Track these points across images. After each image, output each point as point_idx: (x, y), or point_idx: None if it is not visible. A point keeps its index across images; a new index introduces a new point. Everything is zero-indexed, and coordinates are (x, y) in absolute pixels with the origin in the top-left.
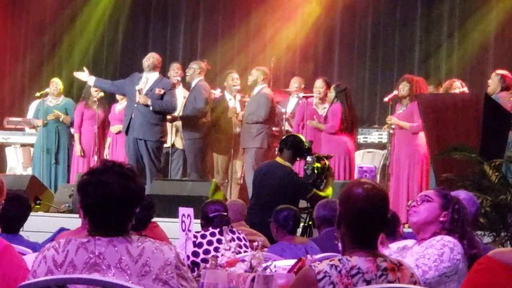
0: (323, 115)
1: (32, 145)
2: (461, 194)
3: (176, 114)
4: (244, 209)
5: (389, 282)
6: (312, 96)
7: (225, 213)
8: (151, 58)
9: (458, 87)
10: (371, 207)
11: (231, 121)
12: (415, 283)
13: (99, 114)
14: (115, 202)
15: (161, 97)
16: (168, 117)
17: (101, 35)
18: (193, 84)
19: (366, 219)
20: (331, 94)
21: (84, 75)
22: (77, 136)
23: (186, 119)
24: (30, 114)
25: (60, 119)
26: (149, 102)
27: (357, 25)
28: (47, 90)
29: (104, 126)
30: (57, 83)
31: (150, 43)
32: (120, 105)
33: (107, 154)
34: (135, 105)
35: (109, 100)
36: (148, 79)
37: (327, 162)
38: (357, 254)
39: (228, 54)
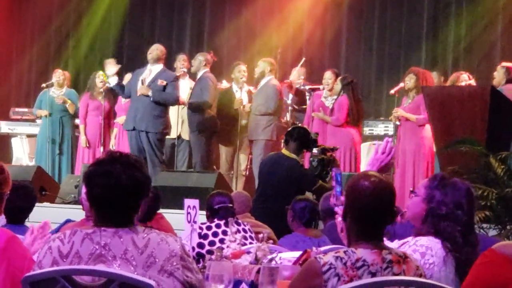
0: (330, 107)
1: None
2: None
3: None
4: (249, 200)
5: (394, 274)
6: (318, 89)
7: (231, 205)
8: (155, 50)
9: (465, 79)
10: (377, 200)
11: (237, 112)
12: (420, 275)
13: (104, 105)
14: (122, 193)
15: (164, 88)
16: (174, 109)
17: (108, 26)
18: (198, 76)
19: (373, 212)
20: (337, 86)
21: (112, 69)
22: (82, 127)
23: (191, 110)
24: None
25: (67, 105)
26: (149, 93)
27: (364, 17)
28: (52, 80)
29: (109, 117)
30: (60, 74)
31: (157, 34)
32: None
33: (113, 144)
34: (138, 97)
35: (114, 91)
36: (152, 70)
37: (333, 154)
38: (362, 247)
39: (235, 46)
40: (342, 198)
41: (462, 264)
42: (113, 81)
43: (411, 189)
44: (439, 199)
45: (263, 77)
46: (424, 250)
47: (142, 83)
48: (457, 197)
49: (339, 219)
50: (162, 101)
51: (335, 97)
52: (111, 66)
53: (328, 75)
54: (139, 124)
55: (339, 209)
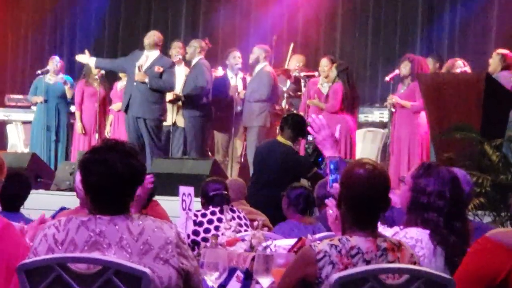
0: (325, 94)
1: None
2: (457, 173)
3: (177, 92)
4: (244, 188)
5: (389, 262)
6: (314, 76)
7: (226, 192)
8: (151, 36)
9: (460, 66)
10: (372, 188)
11: (232, 99)
12: (414, 263)
13: (100, 91)
14: (118, 180)
15: (160, 75)
16: (170, 97)
17: (103, 13)
18: (193, 63)
19: (367, 200)
20: (333, 73)
21: (85, 58)
22: (78, 114)
23: (187, 98)
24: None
25: (66, 87)
26: (146, 80)
27: (359, 3)
28: (48, 67)
29: (105, 103)
30: (56, 60)
31: (152, 21)
32: (122, 83)
33: (108, 131)
34: (134, 83)
35: (110, 77)
36: (148, 57)
37: None
38: (357, 234)
39: (230, 33)
40: (336, 185)
41: (450, 255)
42: (92, 62)
43: (400, 177)
44: (421, 188)
45: (258, 63)
46: (414, 242)
47: (139, 70)
48: (439, 187)
49: (330, 211)
50: (159, 88)
51: (330, 84)
52: (82, 56)
53: (324, 62)
54: (137, 111)
55: (329, 201)
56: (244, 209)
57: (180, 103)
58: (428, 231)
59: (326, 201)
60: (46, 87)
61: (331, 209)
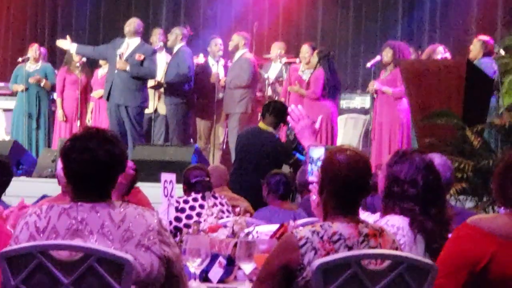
0: (306, 81)
1: None
2: (436, 159)
3: (158, 79)
4: (226, 174)
5: (371, 248)
6: (295, 62)
7: (207, 179)
8: (132, 23)
9: (441, 52)
10: (353, 173)
11: (214, 86)
12: (396, 249)
13: (81, 79)
14: (99, 167)
15: (141, 63)
16: (151, 83)
17: (84, 1)
18: (175, 50)
19: (349, 186)
20: (314, 59)
21: (66, 43)
22: (59, 101)
23: (169, 85)
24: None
25: (41, 84)
26: (127, 68)
27: None
28: (28, 55)
29: (86, 91)
30: (36, 48)
31: (133, 8)
32: (102, 70)
33: (89, 119)
34: (116, 71)
35: (91, 65)
36: (129, 44)
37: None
38: (339, 220)
39: (211, 20)
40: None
41: (430, 241)
42: (73, 48)
43: (377, 165)
44: (394, 177)
45: (237, 50)
46: (395, 230)
47: (120, 58)
48: (412, 174)
49: (313, 197)
50: (140, 76)
51: (312, 70)
52: (63, 41)
53: (305, 49)
54: (118, 98)
55: (313, 187)
56: (226, 195)
57: (162, 90)
58: (408, 219)
59: (310, 186)
60: (26, 74)
61: (315, 195)
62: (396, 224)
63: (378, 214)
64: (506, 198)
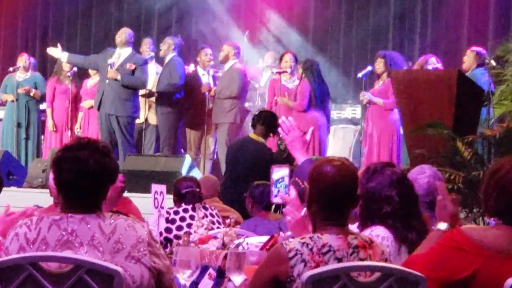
0: (292, 90)
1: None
2: (426, 170)
3: (149, 88)
4: (217, 185)
5: (361, 259)
6: (286, 71)
7: (198, 189)
8: (123, 33)
9: (433, 63)
10: (341, 184)
11: (204, 96)
12: (385, 260)
13: (71, 89)
14: (90, 178)
15: (132, 72)
16: (142, 92)
17: (75, 9)
18: (167, 60)
19: (337, 196)
20: (299, 71)
21: (57, 52)
22: (49, 111)
23: (160, 94)
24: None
25: (31, 94)
26: (118, 77)
27: (331, 0)
28: (19, 64)
29: (76, 101)
30: (25, 58)
31: (124, 17)
32: (92, 80)
33: (78, 128)
34: (107, 81)
35: (81, 75)
36: (121, 54)
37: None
38: (328, 232)
39: (203, 29)
40: (285, 196)
41: (412, 251)
42: (64, 57)
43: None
44: (368, 194)
45: (228, 61)
46: (380, 240)
47: (111, 67)
48: (385, 191)
49: (287, 218)
50: (131, 85)
51: (295, 78)
52: (54, 49)
53: (288, 58)
54: (109, 108)
55: (286, 210)
56: (217, 206)
57: (153, 99)
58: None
59: (284, 210)
60: (16, 84)
61: (289, 216)
62: (381, 234)
63: (355, 225)
64: (488, 207)
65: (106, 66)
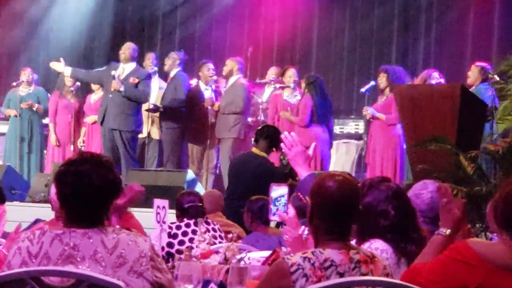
0: (295, 104)
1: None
2: (429, 185)
3: (153, 103)
4: (221, 199)
5: (362, 274)
6: (289, 87)
7: (200, 204)
8: (127, 49)
9: (436, 77)
10: (344, 199)
11: (206, 110)
12: (387, 275)
13: (73, 103)
14: (93, 192)
15: (136, 86)
16: (145, 106)
17: (78, 23)
18: (171, 74)
19: (339, 211)
20: (302, 86)
21: (60, 66)
22: (52, 126)
23: (166, 109)
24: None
25: (34, 108)
26: (121, 88)
27: (334, 16)
28: (22, 79)
29: (78, 116)
30: (29, 73)
31: (128, 31)
32: (95, 95)
33: (80, 142)
34: (110, 95)
35: (83, 90)
36: (125, 69)
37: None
38: (330, 247)
39: (205, 44)
40: (283, 214)
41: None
42: (67, 71)
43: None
44: (365, 209)
45: (231, 76)
46: (379, 252)
47: (114, 78)
48: (381, 206)
49: (285, 237)
50: (133, 97)
51: (297, 93)
52: (57, 64)
53: (290, 73)
54: (112, 123)
55: (284, 229)
56: (220, 221)
57: (156, 114)
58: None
59: (282, 229)
60: (19, 99)
61: (287, 235)
62: (379, 247)
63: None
64: (496, 219)
65: (110, 80)
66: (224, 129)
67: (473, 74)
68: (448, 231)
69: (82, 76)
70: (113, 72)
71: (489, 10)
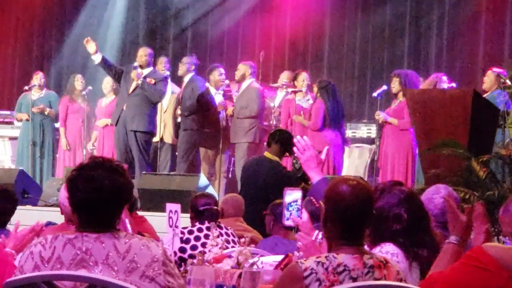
0: (308, 108)
1: None
2: (441, 190)
3: (164, 107)
4: (242, 204)
5: (376, 279)
6: (301, 91)
7: (215, 207)
8: (143, 56)
9: (445, 81)
10: (357, 203)
11: (218, 115)
12: (400, 280)
13: (84, 107)
14: (105, 197)
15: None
16: (178, 111)
17: (91, 27)
18: (186, 79)
19: (353, 216)
20: (314, 90)
21: (92, 47)
22: (63, 130)
23: (184, 112)
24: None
25: (46, 113)
26: (139, 81)
27: (346, 19)
28: (34, 83)
29: (89, 119)
30: (41, 76)
31: (141, 35)
32: (106, 99)
33: (91, 145)
34: (128, 96)
35: (94, 94)
36: (143, 73)
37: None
38: (343, 251)
39: (217, 49)
40: (297, 219)
41: (425, 268)
42: (97, 58)
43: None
44: (377, 213)
45: (244, 80)
46: (390, 256)
47: (134, 68)
48: (394, 210)
49: (299, 243)
50: (149, 93)
51: (309, 97)
52: (91, 44)
53: (302, 77)
54: (130, 124)
55: (298, 235)
56: (240, 226)
57: (167, 119)
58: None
59: (296, 235)
60: (31, 103)
61: (300, 241)
62: (390, 251)
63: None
64: None
65: (128, 83)
66: (240, 134)
67: (489, 80)
68: (458, 239)
69: (110, 67)
70: (135, 63)
71: (501, 13)
